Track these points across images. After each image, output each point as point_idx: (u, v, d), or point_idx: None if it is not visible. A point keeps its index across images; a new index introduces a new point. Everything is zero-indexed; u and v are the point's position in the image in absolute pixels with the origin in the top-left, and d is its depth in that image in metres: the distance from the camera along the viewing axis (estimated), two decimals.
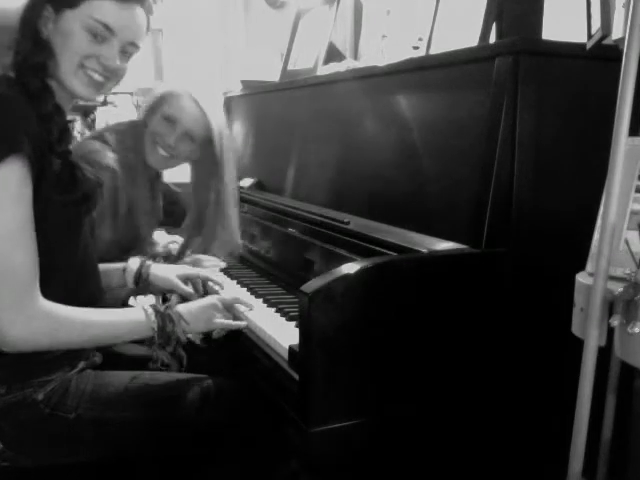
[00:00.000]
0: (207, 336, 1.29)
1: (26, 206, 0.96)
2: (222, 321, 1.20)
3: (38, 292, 0.99)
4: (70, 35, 1.04)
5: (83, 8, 1.04)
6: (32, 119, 0.98)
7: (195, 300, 1.24)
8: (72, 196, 1.05)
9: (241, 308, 1.26)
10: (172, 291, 1.39)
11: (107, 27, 1.05)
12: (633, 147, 0.87)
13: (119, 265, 1.38)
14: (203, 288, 1.42)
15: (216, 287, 1.41)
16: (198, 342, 1.35)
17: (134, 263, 1.38)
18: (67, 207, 1.05)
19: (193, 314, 1.17)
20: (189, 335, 1.20)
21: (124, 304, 1.45)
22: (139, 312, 1.12)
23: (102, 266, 1.33)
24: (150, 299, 1.41)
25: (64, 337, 1.02)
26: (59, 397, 1.06)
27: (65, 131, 1.06)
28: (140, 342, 1.18)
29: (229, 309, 1.23)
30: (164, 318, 1.12)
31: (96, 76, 1.07)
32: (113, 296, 1.37)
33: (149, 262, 1.40)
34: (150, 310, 1.13)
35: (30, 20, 1.04)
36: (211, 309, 1.19)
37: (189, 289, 1.37)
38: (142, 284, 1.38)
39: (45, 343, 1.01)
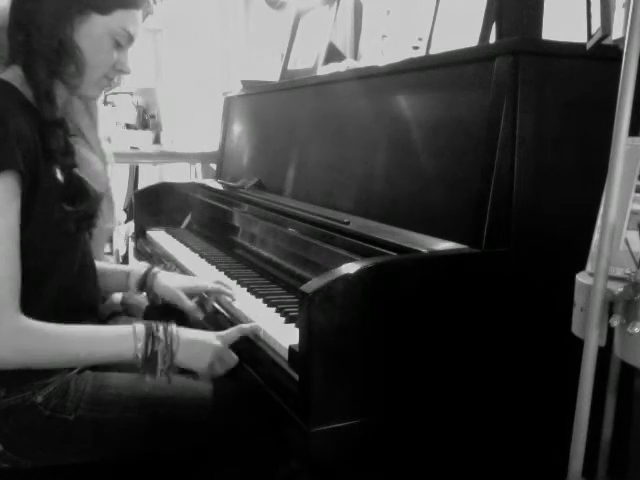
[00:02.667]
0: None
1: (10, 220, 0.94)
2: (218, 370, 1.12)
3: (14, 309, 0.95)
4: (98, 43, 1.02)
5: (115, 16, 1.02)
6: (26, 130, 0.96)
7: (199, 323, 1.16)
8: (76, 209, 1.04)
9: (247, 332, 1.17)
10: (175, 304, 1.31)
11: (131, 37, 1.06)
12: (633, 147, 0.87)
13: (123, 268, 1.37)
14: (212, 305, 1.33)
15: (228, 299, 1.33)
16: None
17: (141, 267, 1.37)
18: (68, 219, 1.04)
19: (192, 351, 1.08)
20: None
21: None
22: (127, 329, 1.04)
23: (104, 267, 1.33)
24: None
25: (39, 355, 0.99)
26: (58, 399, 1.06)
27: (70, 144, 1.05)
28: None
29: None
30: (154, 342, 1.03)
31: (112, 82, 1.08)
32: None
33: (157, 269, 1.37)
34: (141, 333, 1.03)
35: (51, 18, 0.99)
36: (213, 353, 1.09)
37: (192, 304, 1.31)
38: (147, 291, 1.35)
39: (18, 361, 0.98)
